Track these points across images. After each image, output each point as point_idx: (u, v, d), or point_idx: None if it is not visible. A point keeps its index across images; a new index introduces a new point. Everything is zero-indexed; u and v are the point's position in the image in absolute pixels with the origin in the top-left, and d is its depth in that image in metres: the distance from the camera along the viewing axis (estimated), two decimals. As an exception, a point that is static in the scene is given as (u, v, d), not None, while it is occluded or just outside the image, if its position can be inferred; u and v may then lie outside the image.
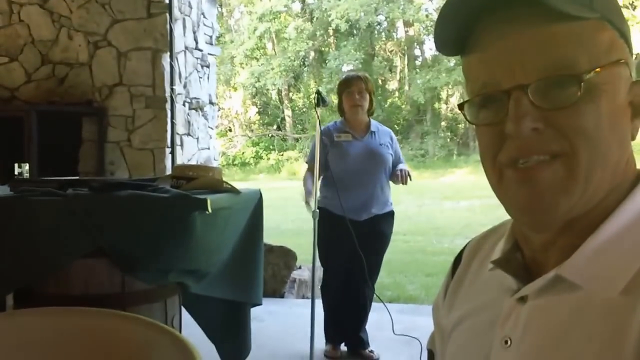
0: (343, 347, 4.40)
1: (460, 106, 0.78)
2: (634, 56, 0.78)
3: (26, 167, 3.77)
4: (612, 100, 0.71)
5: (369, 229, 4.05)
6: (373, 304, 4.44)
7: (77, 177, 4.35)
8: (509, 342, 0.76)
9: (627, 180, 0.75)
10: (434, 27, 0.77)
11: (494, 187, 0.77)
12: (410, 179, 4.22)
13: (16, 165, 3.65)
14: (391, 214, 4.27)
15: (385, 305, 4.42)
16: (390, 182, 4.28)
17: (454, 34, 0.76)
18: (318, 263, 4.11)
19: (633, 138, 0.75)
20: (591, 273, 0.71)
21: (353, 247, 3.93)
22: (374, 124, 4.28)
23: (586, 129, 0.69)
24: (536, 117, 0.69)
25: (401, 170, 4.19)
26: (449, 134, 25.39)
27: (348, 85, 4.14)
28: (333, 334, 4.31)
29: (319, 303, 4.28)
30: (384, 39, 28.98)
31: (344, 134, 4.06)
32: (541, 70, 0.69)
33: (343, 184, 3.92)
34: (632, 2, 21.72)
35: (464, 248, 0.98)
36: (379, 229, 4.11)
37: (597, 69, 0.69)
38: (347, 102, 4.13)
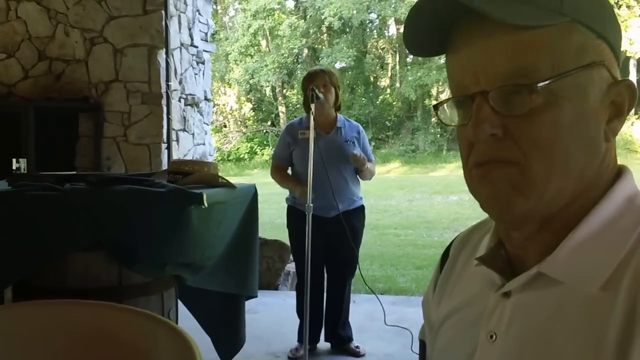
0: (326, 344, 4.34)
1: (435, 107, 0.80)
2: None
3: (24, 162, 3.80)
4: (579, 105, 0.71)
5: (339, 225, 3.93)
6: (365, 295, 4.47)
7: (74, 172, 4.37)
8: (494, 337, 0.77)
9: (604, 179, 0.76)
10: (403, 33, 0.78)
11: (467, 185, 0.79)
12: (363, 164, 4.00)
13: (14, 160, 3.67)
14: (361, 209, 4.17)
15: (377, 297, 4.47)
16: (360, 179, 4.19)
17: (426, 39, 0.78)
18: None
19: (608, 139, 0.74)
20: (571, 269, 0.72)
21: (323, 244, 3.93)
22: (341, 120, 4.14)
23: (541, 140, 0.70)
24: (495, 123, 0.71)
25: (354, 154, 3.98)
26: (439, 130, 25.43)
27: (311, 80, 3.98)
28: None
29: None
30: (375, 36, 29.02)
31: (308, 131, 3.82)
32: (501, 78, 0.70)
33: (306, 181, 3.77)
34: (617, 1, 21.76)
35: (451, 243, 0.99)
36: (349, 224, 3.95)
37: (560, 76, 0.69)
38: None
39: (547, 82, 0.69)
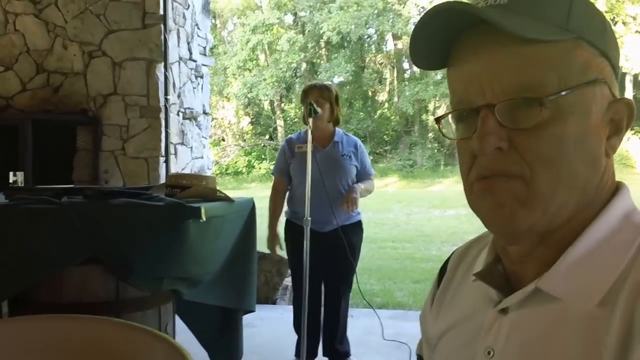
0: (324, 359, 4.30)
1: (438, 119, 0.81)
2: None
3: (21, 175, 3.77)
4: (583, 121, 0.72)
5: (335, 240, 3.91)
6: (363, 309, 4.46)
7: (72, 186, 4.36)
8: (491, 353, 0.78)
9: (603, 195, 0.76)
10: (409, 45, 0.79)
11: (467, 199, 0.79)
12: (355, 207, 4.00)
13: (11, 173, 3.66)
14: (358, 224, 4.14)
15: (375, 311, 4.46)
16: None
17: (431, 51, 0.79)
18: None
19: (608, 155, 0.75)
20: (569, 286, 0.73)
21: (320, 259, 3.90)
22: (339, 134, 4.13)
23: (547, 154, 0.71)
24: (501, 136, 0.71)
25: (349, 195, 3.97)
26: (436, 144, 25.52)
27: (307, 95, 4.01)
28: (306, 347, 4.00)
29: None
30: (373, 51, 29.15)
31: (305, 145, 3.82)
32: (508, 92, 0.71)
33: (304, 195, 3.75)
34: (613, 18, 21.93)
35: (449, 257, 0.99)
36: (346, 239, 3.92)
37: (567, 91, 0.70)
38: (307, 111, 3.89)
39: (554, 97, 0.70)
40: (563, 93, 0.70)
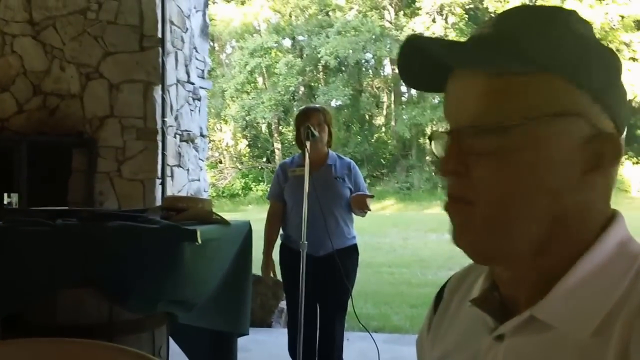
0: None
1: (430, 137, 0.83)
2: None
3: (15, 197, 3.77)
4: (540, 153, 0.72)
5: (329, 265, 3.83)
6: (359, 333, 4.41)
7: (67, 208, 4.35)
8: None
9: (594, 225, 0.75)
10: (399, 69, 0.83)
11: None
12: (368, 209, 3.98)
13: (5, 195, 3.65)
14: (353, 247, 4.08)
15: (371, 335, 4.42)
16: (354, 216, 4.12)
17: (425, 79, 0.83)
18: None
19: (581, 190, 0.73)
20: (563, 314, 0.72)
21: (314, 283, 3.85)
22: (332, 157, 4.10)
23: (494, 182, 0.72)
24: (460, 160, 0.74)
25: (357, 198, 3.97)
26: (433, 168, 25.62)
27: (307, 118, 3.96)
28: None
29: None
30: (371, 75, 29.36)
31: (299, 168, 3.82)
32: (471, 119, 0.74)
33: (298, 218, 3.72)
34: (606, 45, 22.14)
35: (446, 282, 0.99)
36: (341, 264, 3.82)
37: (526, 121, 0.71)
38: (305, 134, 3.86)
39: (512, 127, 0.71)
40: (521, 123, 0.71)
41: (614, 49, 0.78)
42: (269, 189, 4.39)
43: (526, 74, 0.71)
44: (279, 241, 4.19)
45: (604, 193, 0.76)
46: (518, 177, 0.72)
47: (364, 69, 29.00)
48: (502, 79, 0.72)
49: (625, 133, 0.77)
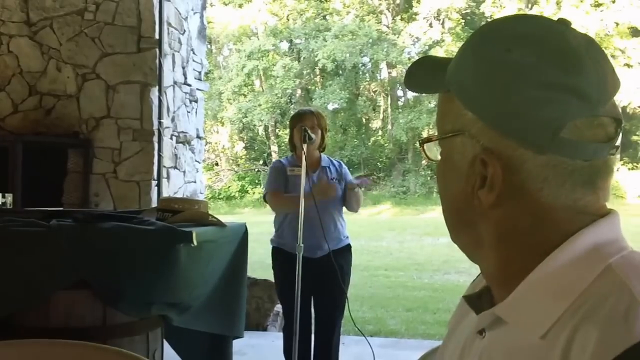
0: None
1: (422, 142, 0.87)
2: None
3: (10, 197, 3.74)
4: (448, 166, 0.80)
5: (326, 266, 3.84)
6: (354, 337, 4.40)
7: (61, 208, 4.33)
8: None
9: (562, 228, 0.72)
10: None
11: None
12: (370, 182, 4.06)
13: (0, 195, 3.63)
14: (348, 248, 4.10)
15: (367, 339, 4.40)
16: (345, 217, 4.12)
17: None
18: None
19: (479, 205, 0.75)
20: (519, 314, 0.73)
21: (309, 285, 3.84)
22: (325, 160, 4.14)
23: (439, 188, 0.84)
24: (431, 166, 0.79)
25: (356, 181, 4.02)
26: (429, 172, 25.64)
27: (300, 120, 3.98)
28: None
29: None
30: (368, 79, 29.44)
31: (297, 168, 3.82)
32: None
33: (295, 220, 3.71)
34: (611, 54, 22.19)
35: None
36: (337, 265, 3.83)
37: (442, 136, 0.81)
38: (299, 137, 3.88)
39: (436, 140, 0.82)
40: (438, 138, 0.81)
41: (610, 55, 0.76)
42: (266, 186, 4.28)
43: (447, 93, 0.79)
44: (270, 246, 4.15)
45: (563, 202, 0.72)
46: (443, 185, 0.83)
47: (360, 73, 29.06)
48: (443, 96, 0.81)
49: (619, 140, 0.74)
